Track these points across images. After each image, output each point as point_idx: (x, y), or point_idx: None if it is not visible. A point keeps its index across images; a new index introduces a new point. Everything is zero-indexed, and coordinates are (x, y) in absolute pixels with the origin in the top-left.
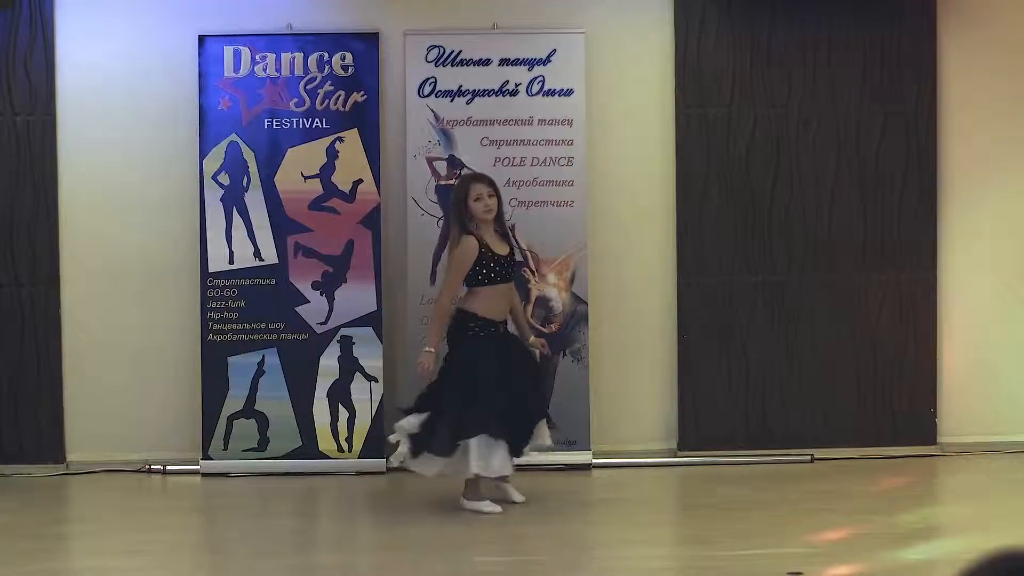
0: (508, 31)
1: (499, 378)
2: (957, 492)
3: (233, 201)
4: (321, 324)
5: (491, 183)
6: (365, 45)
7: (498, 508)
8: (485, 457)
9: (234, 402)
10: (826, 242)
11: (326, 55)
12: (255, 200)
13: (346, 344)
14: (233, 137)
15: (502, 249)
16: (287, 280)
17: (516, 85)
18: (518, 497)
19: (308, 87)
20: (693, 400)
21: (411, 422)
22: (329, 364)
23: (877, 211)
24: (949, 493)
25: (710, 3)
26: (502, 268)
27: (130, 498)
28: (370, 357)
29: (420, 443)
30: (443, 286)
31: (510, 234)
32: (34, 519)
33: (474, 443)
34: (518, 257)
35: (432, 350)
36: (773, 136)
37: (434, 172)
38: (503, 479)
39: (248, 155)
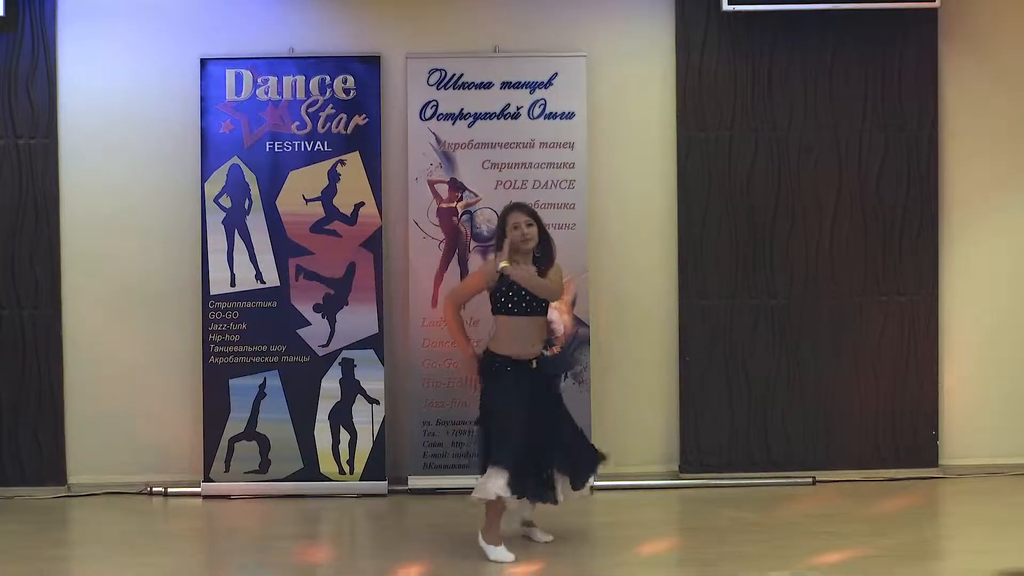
0: (510, 54)
1: (517, 410)
2: (959, 515)
3: (235, 224)
4: (323, 346)
5: (531, 213)
6: (367, 68)
7: (510, 557)
8: (488, 479)
9: (235, 424)
10: (827, 265)
11: (328, 78)
12: (257, 223)
13: (347, 366)
14: (235, 160)
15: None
16: (289, 303)
17: (518, 108)
18: (544, 538)
19: (310, 110)
20: (695, 423)
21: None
22: (331, 386)
23: (878, 234)
24: (951, 516)
25: (711, 28)
26: (525, 299)
27: (131, 521)
28: (372, 379)
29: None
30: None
31: (555, 267)
32: (35, 541)
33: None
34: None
35: (468, 357)
36: (774, 160)
37: (436, 195)
38: (530, 523)
39: (250, 178)
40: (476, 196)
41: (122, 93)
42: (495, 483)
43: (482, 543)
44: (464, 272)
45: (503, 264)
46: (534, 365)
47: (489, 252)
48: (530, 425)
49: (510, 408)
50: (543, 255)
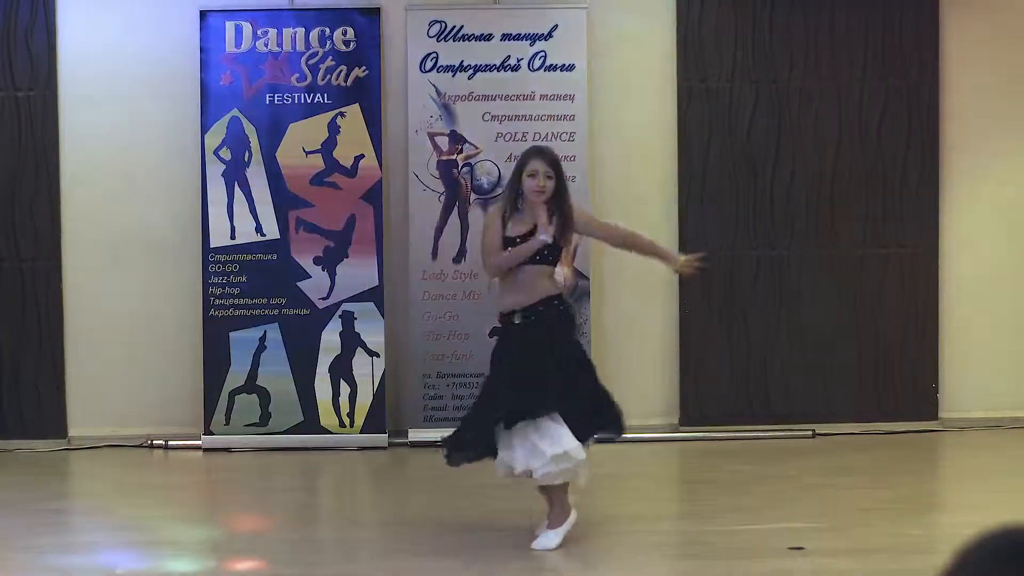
0: (510, 6)
1: (510, 372)
2: (958, 468)
3: (235, 176)
4: (323, 299)
5: (553, 162)
6: (367, 20)
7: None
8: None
9: (236, 377)
10: (828, 216)
11: (327, 30)
12: (257, 175)
13: (348, 319)
14: (234, 112)
15: (517, 231)
16: (289, 255)
17: (518, 60)
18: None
19: (309, 62)
20: (694, 375)
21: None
22: (331, 339)
23: (879, 185)
24: (950, 468)
25: None
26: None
27: (131, 473)
28: (372, 332)
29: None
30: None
31: (569, 223)
32: (36, 494)
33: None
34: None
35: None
36: (775, 110)
37: (436, 147)
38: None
39: (249, 130)
40: (476, 148)
41: (121, 45)
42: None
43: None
44: (464, 226)
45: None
46: (517, 321)
47: (490, 205)
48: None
49: (500, 374)
50: (558, 215)
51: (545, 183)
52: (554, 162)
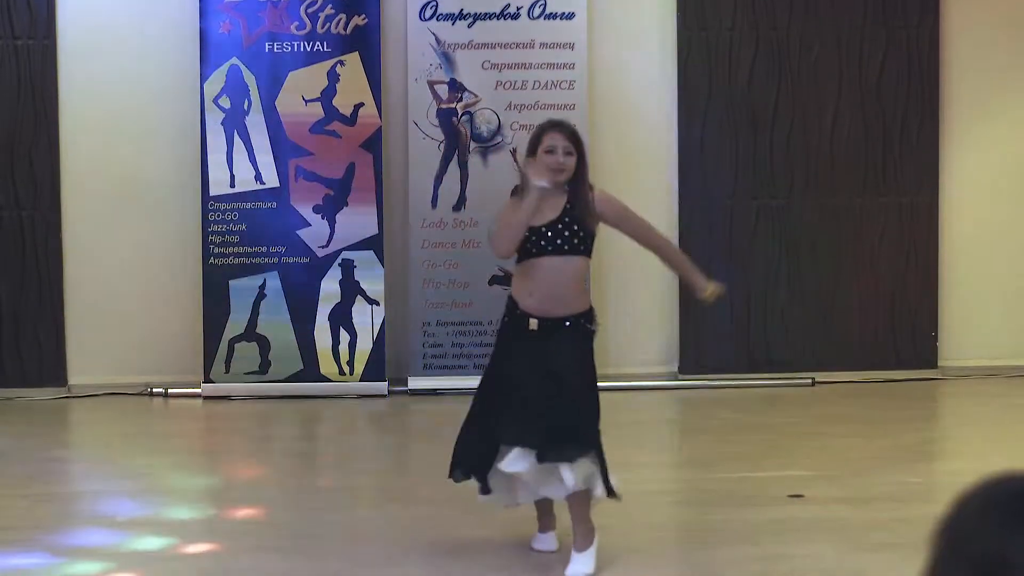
0: None
1: (500, 378)
2: (957, 415)
3: (234, 125)
4: (322, 247)
5: (573, 136)
6: None
7: (551, 546)
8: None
9: (235, 326)
10: (827, 166)
11: None
12: (256, 124)
13: (347, 267)
14: (234, 61)
15: (544, 218)
16: (288, 203)
17: (518, 8)
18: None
19: (309, 10)
20: (694, 324)
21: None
22: (330, 287)
23: (879, 135)
24: (949, 416)
25: None
26: (536, 242)
27: (132, 421)
28: (371, 280)
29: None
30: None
31: (587, 203)
32: (37, 442)
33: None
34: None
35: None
36: (775, 59)
37: (435, 96)
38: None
39: (249, 79)
40: (476, 97)
41: None
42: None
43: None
44: (464, 174)
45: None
46: (532, 327)
47: (489, 154)
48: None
49: (492, 373)
50: (575, 193)
51: (565, 160)
52: (574, 136)
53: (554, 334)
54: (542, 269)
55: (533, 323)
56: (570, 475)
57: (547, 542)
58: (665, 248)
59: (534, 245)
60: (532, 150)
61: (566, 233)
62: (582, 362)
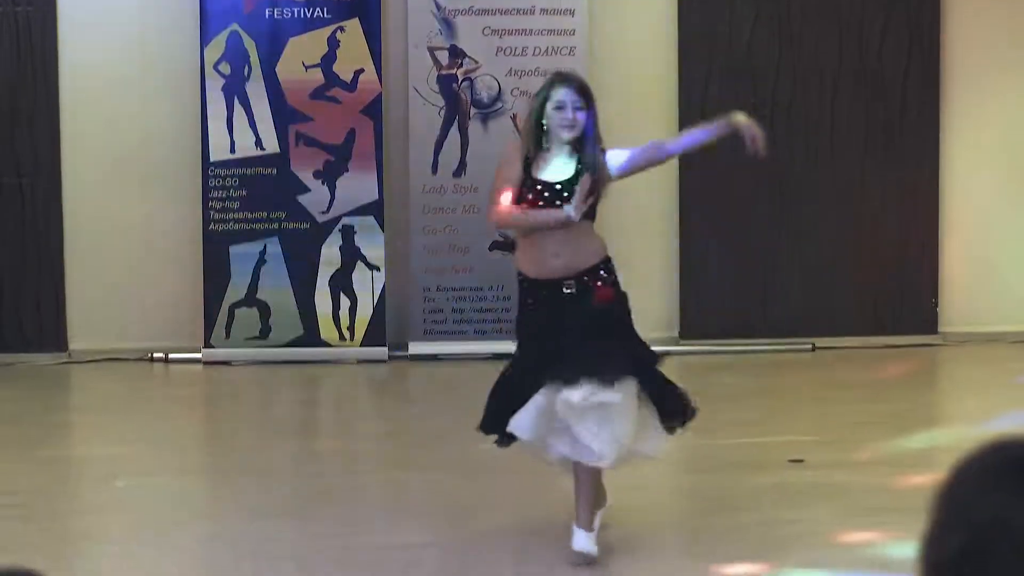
0: None
1: (533, 360)
2: (957, 381)
3: (234, 91)
4: (323, 213)
5: (583, 89)
6: None
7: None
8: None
9: (236, 291)
10: (828, 133)
11: None
12: (256, 90)
13: (348, 233)
14: (234, 27)
15: (555, 175)
16: (288, 169)
17: None
18: (584, 546)
19: None
20: (695, 289)
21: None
22: (331, 253)
23: (880, 104)
24: (949, 382)
25: None
26: (547, 199)
27: (132, 387)
28: (372, 246)
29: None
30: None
31: (599, 164)
32: (37, 407)
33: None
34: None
35: (554, 217)
36: (775, 27)
37: (436, 62)
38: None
39: (249, 45)
40: (476, 63)
41: None
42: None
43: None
44: (464, 140)
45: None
46: (567, 291)
47: (490, 120)
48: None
49: (520, 361)
50: (583, 146)
51: (575, 116)
52: (584, 89)
53: (586, 294)
54: (557, 231)
55: (568, 285)
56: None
57: (586, 541)
58: (666, 151)
59: (547, 204)
60: (540, 108)
61: (553, 196)
62: (623, 307)
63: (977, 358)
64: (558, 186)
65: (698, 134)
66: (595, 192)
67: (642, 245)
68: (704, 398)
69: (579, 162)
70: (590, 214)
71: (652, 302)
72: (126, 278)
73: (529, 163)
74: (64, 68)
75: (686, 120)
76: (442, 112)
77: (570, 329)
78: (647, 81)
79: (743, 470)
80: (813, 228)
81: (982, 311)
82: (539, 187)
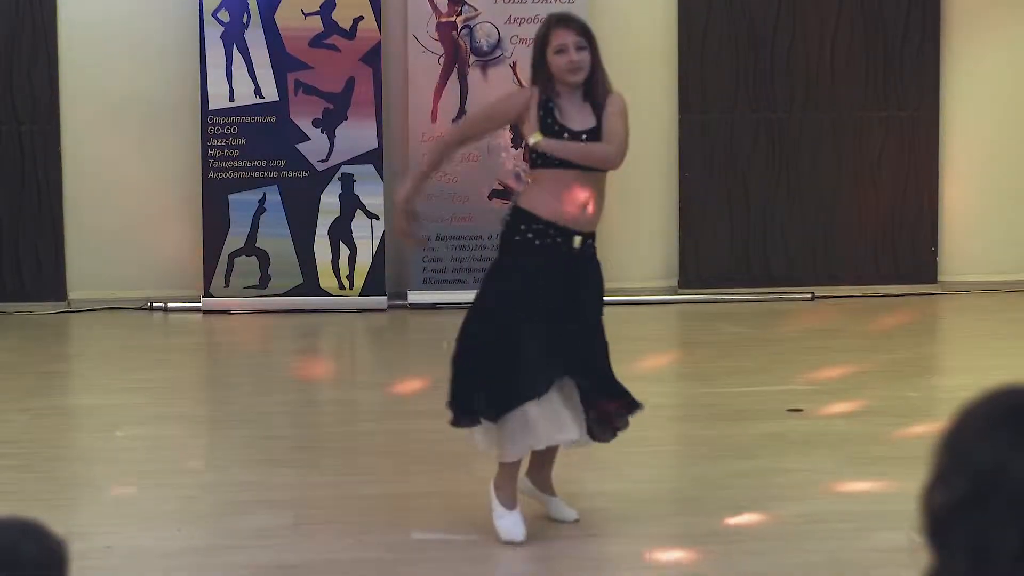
0: None
1: (534, 320)
2: (957, 330)
3: (233, 38)
4: (322, 161)
5: (582, 29)
6: None
7: (517, 535)
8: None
9: (235, 240)
10: (828, 79)
11: None
12: (255, 38)
13: (347, 181)
14: None
15: (581, 123)
16: (288, 117)
17: None
18: (570, 515)
19: None
20: (694, 238)
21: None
22: (330, 201)
23: (879, 49)
24: (949, 331)
25: None
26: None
27: (131, 336)
28: (371, 195)
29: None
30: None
31: (617, 105)
32: (36, 356)
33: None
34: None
35: (402, 195)
36: None
37: (435, 9)
38: (544, 488)
39: None
40: (476, 10)
41: None
42: (478, 436)
43: (492, 499)
44: (463, 88)
45: (535, 139)
46: (577, 244)
47: (489, 68)
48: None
49: (522, 312)
50: (593, 89)
51: (579, 56)
52: (584, 29)
53: (587, 265)
54: (585, 180)
55: (577, 240)
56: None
57: (563, 508)
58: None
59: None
60: (540, 54)
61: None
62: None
63: (977, 307)
64: (584, 136)
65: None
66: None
67: (642, 195)
68: (703, 347)
69: (595, 108)
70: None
71: (652, 251)
72: (125, 227)
73: (551, 108)
74: (63, 16)
75: (687, 68)
76: (441, 60)
77: (583, 311)
78: (647, 28)
79: (742, 419)
80: (813, 176)
81: (981, 260)
82: (566, 135)
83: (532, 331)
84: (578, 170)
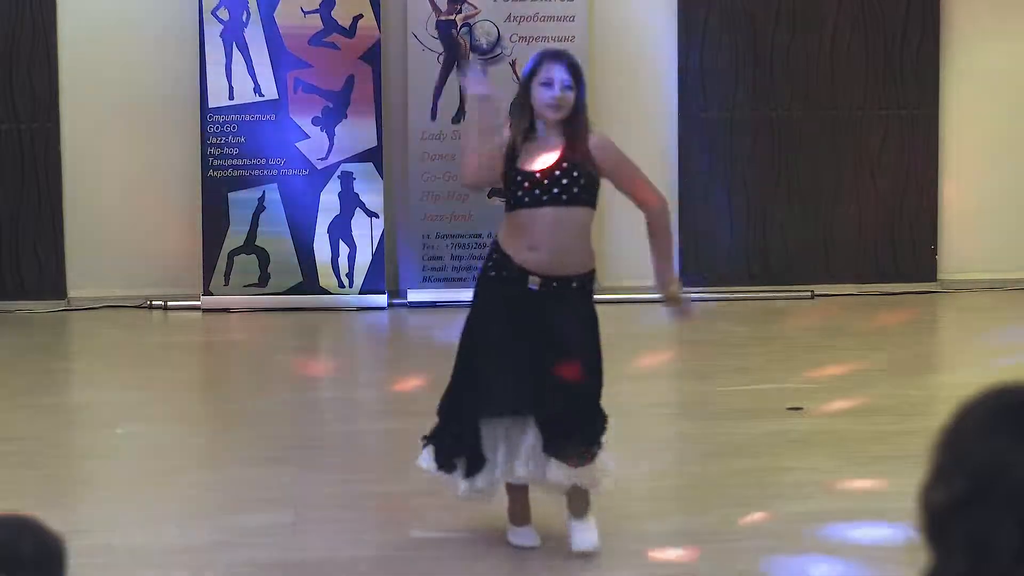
0: None
1: (499, 346)
2: (956, 329)
3: (233, 36)
4: (321, 160)
5: (573, 68)
6: None
7: (527, 543)
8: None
9: (235, 238)
10: (828, 77)
11: None
12: (255, 35)
13: (346, 180)
14: None
15: (542, 161)
16: (287, 115)
17: None
18: (585, 543)
19: None
20: (693, 236)
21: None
22: (330, 200)
23: (880, 45)
24: (948, 330)
25: None
26: (530, 190)
27: (131, 334)
28: (371, 193)
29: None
30: None
31: (584, 146)
32: (36, 355)
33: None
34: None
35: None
36: None
37: (435, 7)
38: (570, 511)
39: None
40: (475, 9)
41: None
42: (424, 456)
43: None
44: (463, 88)
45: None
46: (533, 285)
47: (489, 65)
48: (503, 360)
49: (475, 337)
50: (573, 128)
51: (563, 94)
52: (574, 68)
53: (560, 298)
54: (542, 221)
55: (534, 281)
56: (561, 473)
57: (528, 536)
58: (656, 217)
59: (527, 194)
60: (526, 84)
61: (564, 181)
62: (593, 337)
63: (976, 306)
64: (538, 175)
65: (662, 242)
66: (581, 166)
67: None
68: (703, 345)
69: (568, 142)
70: (588, 200)
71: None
72: (125, 225)
73: (515, 153)
74: (63, 14)
75: (686, 62)
76: (441, 58)
77: (560, 345)
78: (647, 29)
79: (742, 418)
80: (812, 175)
81: (981, 258)
82: (519, 178)
83: (486, 356)
84: (535, 209)
